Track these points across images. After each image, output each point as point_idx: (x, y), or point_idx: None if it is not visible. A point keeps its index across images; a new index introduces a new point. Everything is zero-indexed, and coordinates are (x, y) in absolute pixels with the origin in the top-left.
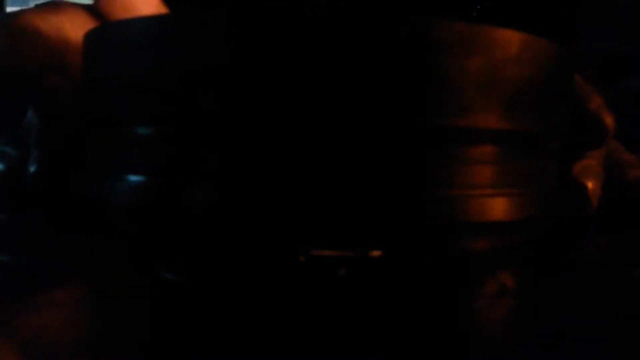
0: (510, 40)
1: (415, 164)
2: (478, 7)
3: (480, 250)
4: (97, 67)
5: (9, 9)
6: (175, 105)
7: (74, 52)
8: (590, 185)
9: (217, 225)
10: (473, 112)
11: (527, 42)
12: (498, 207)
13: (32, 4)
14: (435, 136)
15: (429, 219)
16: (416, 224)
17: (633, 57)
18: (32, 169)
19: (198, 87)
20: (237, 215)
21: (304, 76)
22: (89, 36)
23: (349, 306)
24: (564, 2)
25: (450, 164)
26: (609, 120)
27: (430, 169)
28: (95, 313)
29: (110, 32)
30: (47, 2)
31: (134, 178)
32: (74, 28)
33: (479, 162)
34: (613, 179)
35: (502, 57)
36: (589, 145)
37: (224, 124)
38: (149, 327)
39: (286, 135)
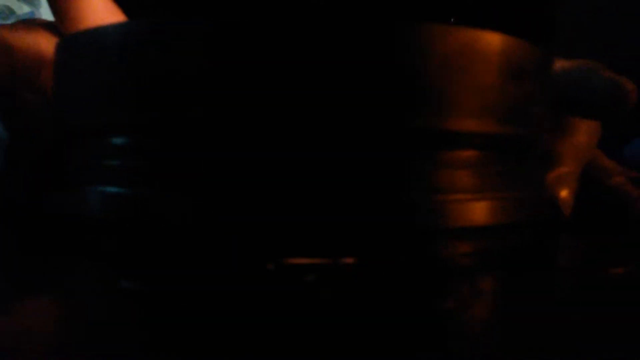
0: (491, 42)
1: (395, 169)
2: (453, 19)
3: (461, 255)
4: (69, 77)
5: None
6: (148, 115)
7: (49, 69)
8: (563, 194)
9: (193, 236)
10: (454, 115)
11: (508, 45)
12: (479, 212)
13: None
14: (416, 140)
15: (408, 224)
16: (395, 229)
17: (620, 70)
18: None
19: (173, 96)
20: (212, 225)
21: (282, 83)
22: (60, 46)
23: (322, 314)
24: (541, 16)
25: (430, 168)
26: (630, 84)
27: (410, 174)
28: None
29: (81, 41)
30: (22, 20)
31: (109, 190)
32: (49, 45)
33: (460, 167)
34: (594, 184)
35: (483, 60)
36: (610, 115)
37: (198, 135)
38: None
39: (261, 140)
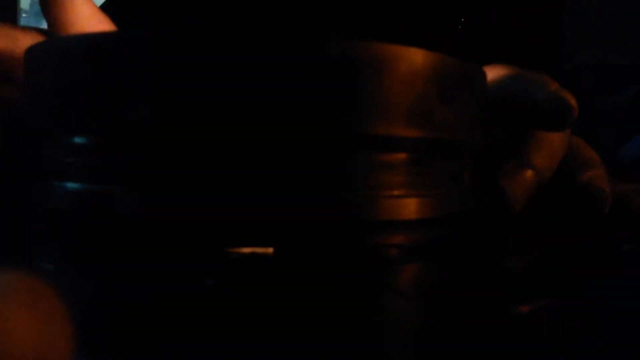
0: (416, 57)
1: (327, 168)
2: (463, 19)
3: (389, 247)
4: (36, 80)
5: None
6: (104, 117)
7: None
8: (510, 190)
9: (141, 227)
10: (384, 122)
11: (431, 60)
12: (408, 207)
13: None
14: (348, 143)
15: (339, 217)
16: (329, 221)
17: (631, 67)
18: None
19: (125, 100)
20: (158, 218)
21: (225, 87)
22: (29, 52)
23: (245, 301)
24: (555, 16)
25: (362, 168)
26: (572, 100)
27: (345, 174)
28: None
29: (47, 48)
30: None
31: (70, 185)
32: (27, 43)
33: (390, 167)
34: (566, 177)
35: (409, 73)
36: (553, 128)
37: (149, 136)
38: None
39: (205, 141)
